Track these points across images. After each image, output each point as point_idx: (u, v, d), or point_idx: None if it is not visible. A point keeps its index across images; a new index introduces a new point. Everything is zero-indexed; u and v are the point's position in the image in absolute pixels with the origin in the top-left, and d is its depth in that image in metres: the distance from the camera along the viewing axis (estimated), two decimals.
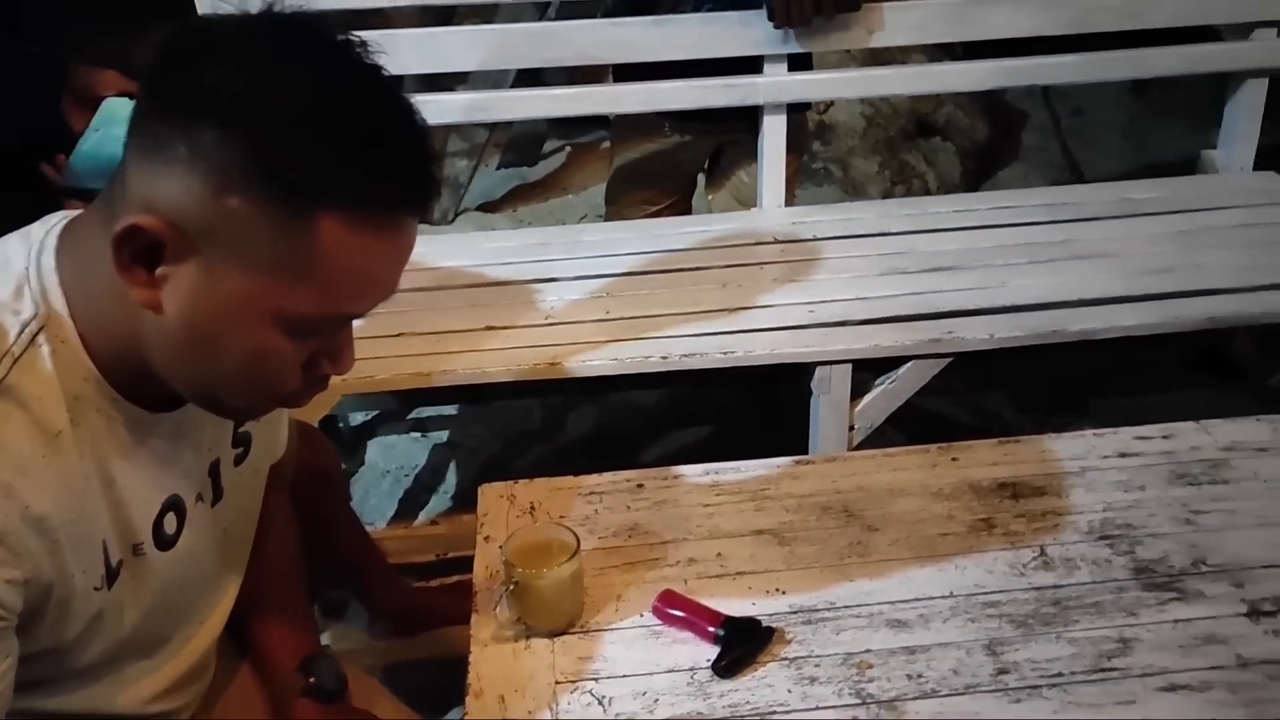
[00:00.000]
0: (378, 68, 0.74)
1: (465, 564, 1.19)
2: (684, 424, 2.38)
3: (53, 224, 0.82)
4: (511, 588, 1.03)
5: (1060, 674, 0.99)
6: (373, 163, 0.71)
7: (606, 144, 3.83)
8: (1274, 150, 2.30)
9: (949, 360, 1.73)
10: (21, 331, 0.76)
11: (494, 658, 1.04)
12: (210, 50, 0.72)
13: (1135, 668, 0.99)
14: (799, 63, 2.10)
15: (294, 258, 0.72)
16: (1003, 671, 0.99)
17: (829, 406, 1.74)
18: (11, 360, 0.75)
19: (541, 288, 1.92)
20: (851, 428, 1.76)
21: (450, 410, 2.51)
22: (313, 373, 0.80)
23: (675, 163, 2.25)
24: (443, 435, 2.47)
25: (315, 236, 0.71)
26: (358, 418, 2.46)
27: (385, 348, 1.73)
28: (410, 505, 2.25)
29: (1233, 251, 1.93)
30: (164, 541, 0.89)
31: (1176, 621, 1.04)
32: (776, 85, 2.06)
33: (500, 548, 1.10)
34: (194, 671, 1.00)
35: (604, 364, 1.69)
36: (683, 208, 2.31)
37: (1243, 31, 2.14)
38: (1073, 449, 1.31)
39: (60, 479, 0.77)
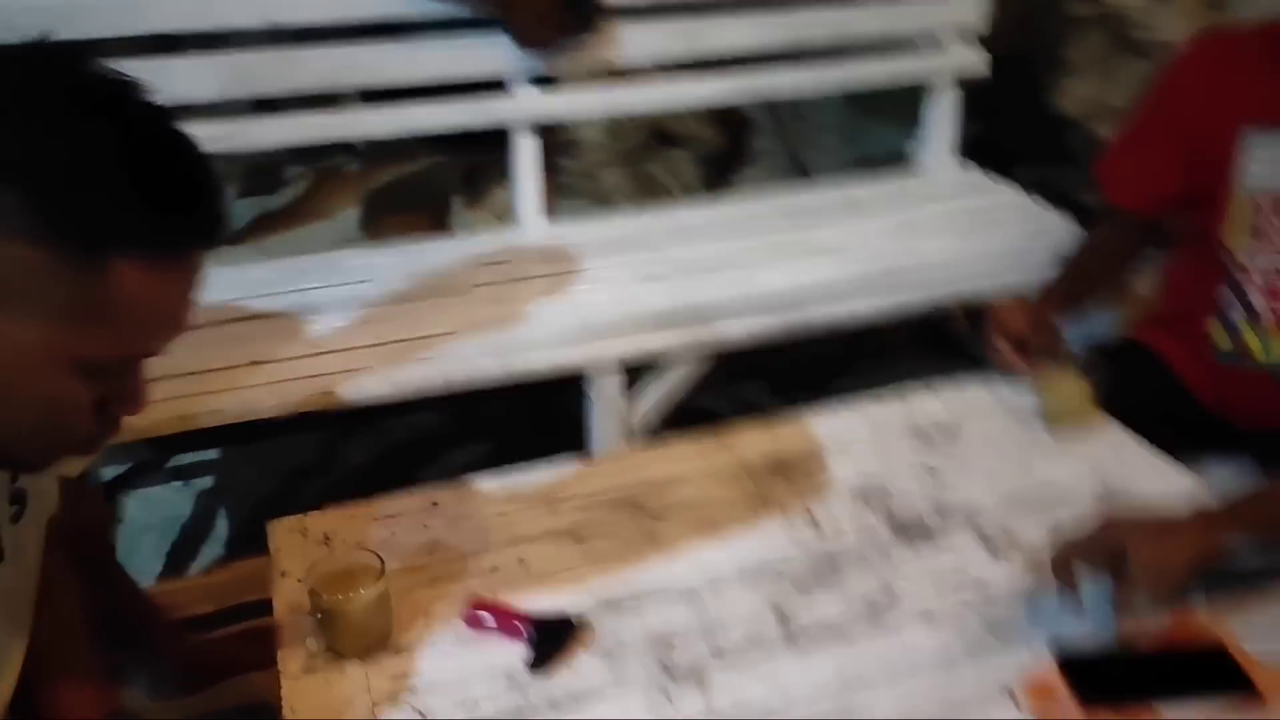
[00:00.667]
0: (152, 104, 0.74)
1: (251, 610, 1.17)
2: (465, 442, 2.39)
3: None
4: (319, 616, 1.03)
5: (839, 625, 1.09)
6: (159, 203, 0.71)
7: (354, 167, 3.76)
8: (973, 145, 2.60)
9: (714, 356, 1.85)
10: None
11: (307, 689, 1.03)
12: None
13: (902, 611, 1.11)
14: (545, 83, 2.17)
15: (89, 303, 0.70)
16: (790, 629, 1.09)
17: (605, 410, 1.82)
18: None
19: (306, 316, 1.89)
20: (628, 429, 1.84)
21: (214, 454, 2.41)
22: (106, 416, 0.78)
23: (430, 184, 2.27)
24: (208, 481, 2.36)
25: (108, 281, 0.70)
26: (110, 471, 2.31)
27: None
28: (180, 558, 2.14)
29: (943, 239, 2.16)
30: None
31: (930, 564, 1.18)
32: (525, 105, 2.12)
33: (299, 580, 1.10)
34: None
35: (381, 389, 1.68)
36: (441, 228, 2.33)
37: (936, 43, 2.41)
38: (829, 426, 1.44)
39: None
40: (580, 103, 2.28)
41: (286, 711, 1.01)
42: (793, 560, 1.19)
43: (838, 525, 1.25)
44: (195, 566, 2.12)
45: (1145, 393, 1.57)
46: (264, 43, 2.45)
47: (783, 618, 1.11)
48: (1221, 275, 1.51)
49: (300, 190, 3.81)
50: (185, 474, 2.36)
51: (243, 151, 3.39)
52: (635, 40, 2.14)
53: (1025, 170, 3.08)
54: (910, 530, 1.23)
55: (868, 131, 4.31)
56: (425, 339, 1.80)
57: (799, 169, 4.16)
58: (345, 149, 3.79)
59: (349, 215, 3.62)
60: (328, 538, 1.24)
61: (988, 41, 2.44)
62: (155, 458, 2.33)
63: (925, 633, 1.08)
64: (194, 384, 1.69)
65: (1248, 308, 1.50)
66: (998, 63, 2.84)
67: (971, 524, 1.24)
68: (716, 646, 1.07)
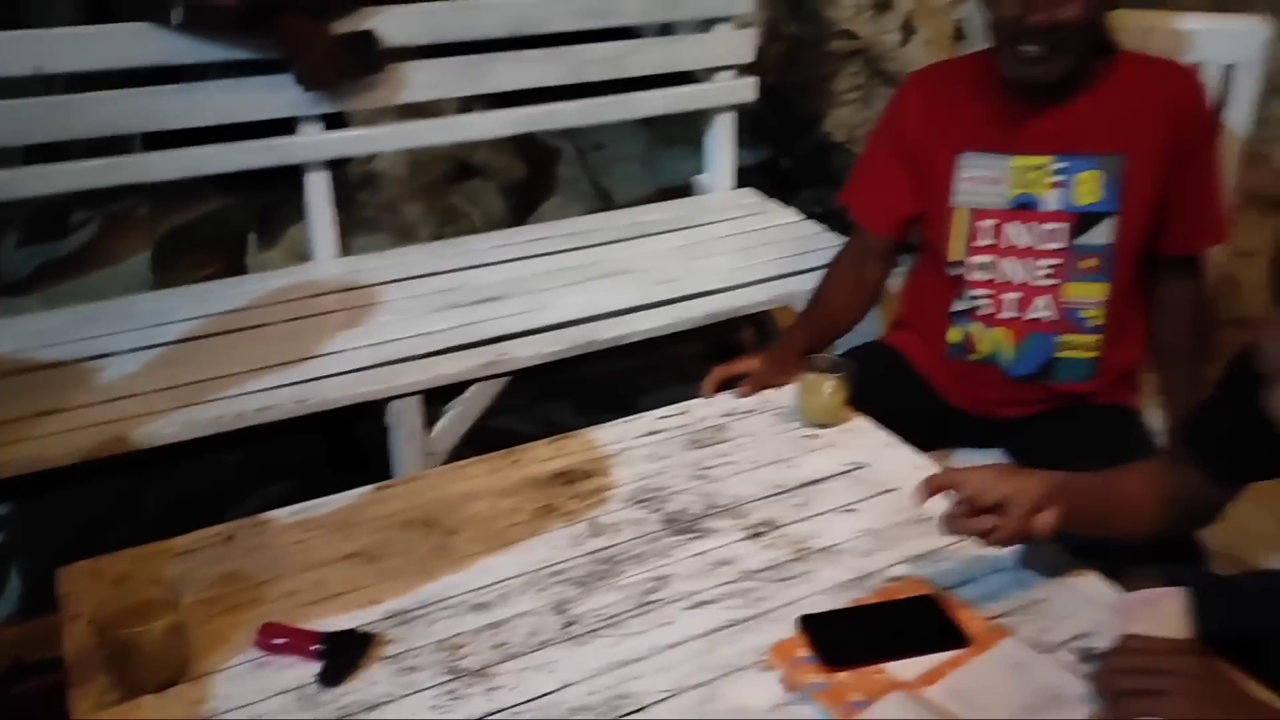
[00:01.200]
0: None
1: (48, 667, 1.17)
2: (268, 480, 2.39)
3: None
4: (108, 652, 1.06)
5: (614, 615, 1.20)
6: None
7: (144, 210, 3.66)
8: (758, 171, 2.79)
9: (508, 379, 1.94)
10: None
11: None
12: None
13: (670, 596, 1.23)
14: (336, 121, 2.22)
15: None
16: (569, 624, 1.19)
17: (405, 438, 1.88)
18: None
19: (96, 364, 1.87)
20: (429, 454, 1.90)
21: (4, 509, 2.32)
22: None
23: (222, 225, 2.27)
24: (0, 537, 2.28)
25: None
26: None
27: None
28: None
29: (723, 258, 2.33)
30: None
31: (698, 554, 1.30)
32: (313, 144, 2.16)
33: (90, 621, 1.12)
34: None
35: (175, 431, 1.69)
36: (235, 268, 2.33)
37: (709, 75, 2.59)
38: (611, 435, 1.56)
39: None
40: (367, 139, 2.34)
41: None
42: (574, 562, 1.29)
43: (616, 526, 1.35)
44: None
45: (898, 391, 1.76)
46: (39, 90, 2.40)
47: (563, 614, 1.20)
48: (948, 281, 1.71)
49: (88, 236, 3.68)
50: None
51: (21, 199, 3.28)
52: (421, 78, 2.22)
53: (805, 192, 3.32)
54: (682, 525, 1.35)
55: (665, 159, 4.51)
56: (219, 379, 1.82)
57: (601, 197, 4.31)
58: (134, 192, 3.70)
59: (140, 260, 3.54)
60: (122, 579, 1.25)
61: (761, 73, 2.64)
62: None
63: (691, 616, 1.20)
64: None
65: (970, 308, 1.70)
66: (772, 93, 3.06)
67: (735, 515, 1.37)
68: (502, 646, 1.16)
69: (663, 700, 1.08)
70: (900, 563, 1.27)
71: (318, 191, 2.21)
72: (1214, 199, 1.66)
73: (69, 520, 2.31)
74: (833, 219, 2.53)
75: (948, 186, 1.67)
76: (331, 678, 1.10)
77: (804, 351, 1.66)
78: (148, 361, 1.88)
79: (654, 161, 4.62)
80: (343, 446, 2.34)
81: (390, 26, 2.14)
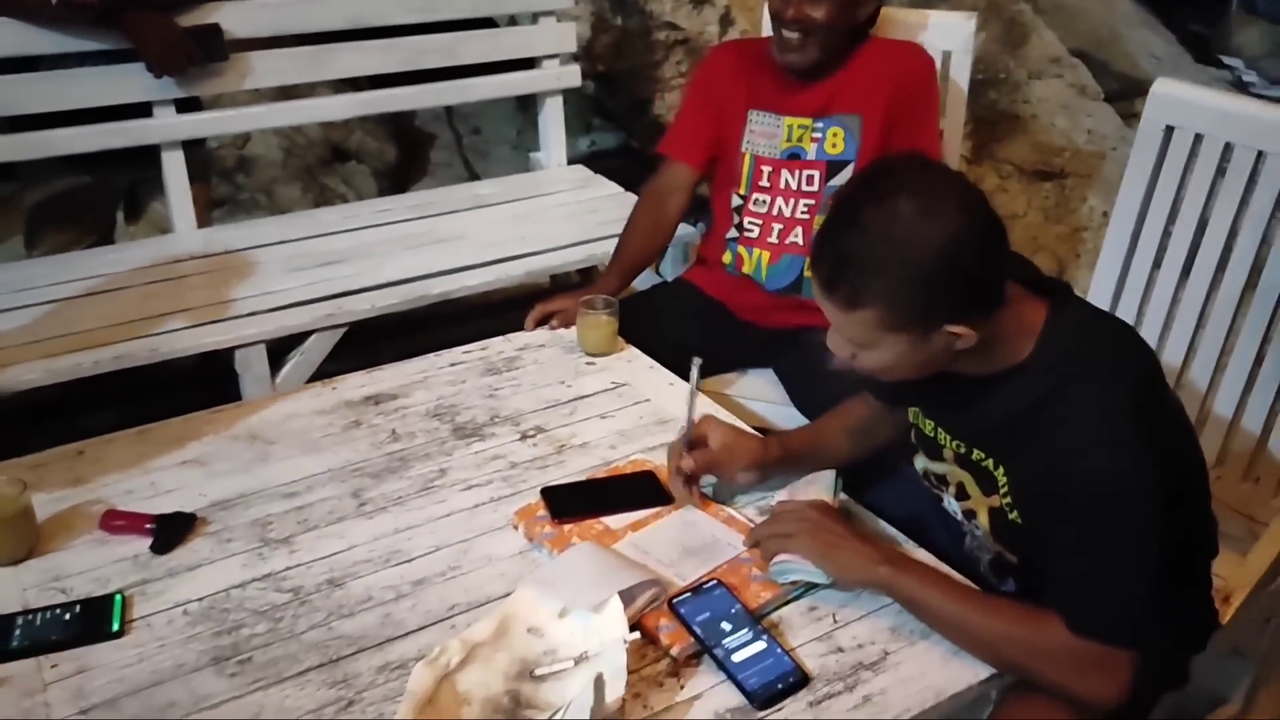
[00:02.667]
0: None
1: None
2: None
3: None
4: None
5: (401, 497, 1.49)
6: None
7: (12, 188, 3.82)
8: (612, 152, 3.08)
9: (344, 329, 2.20)
10: None
11: None
12: None
13: (448, 483, 1.52)
14: (191, 105, 2.45)
15: None
16: (362, 504, 1.47)
17: (253, 382, 2.13)
18: None
19: None
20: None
21: None
22: None
23: (90, 202, 2.48)
24: None
25: None
26: None
27: None
28: None
29: (549, 225, 2.62)
30: None
31: (477, 452, 1.59)
32: (166, 126, 2.39)
33: None
34: None
35: (37, 376, 1.92)
36: (105, 242, 2.54)
37: (537, 63, 2.87)
38: (419, 366, 1.84)
39: None
40: (216, 121, 2.57)
41: None
42: (373, 461, 1.57)
43: (412, 434, 1.64)
44: None
45: (694, 315, 2.09)
46: None
47: (358, 498, 1.48)
48: (729, 214, 2.06)
49: None
50: None
51: None
52: (266, 66, 2.47)
53: (637, 170, 3.63)
54: (467, 431, 1.65)
55: (533, 142, 4.79)
56: (82, 333, 2.05)
57: (473, 177, 4.56)
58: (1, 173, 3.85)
59: (15, 240, 3.70)
60: None
61: (593, 61, 2.93)
62: None
63: (462, 495, 1.49)
64: None
65: (743, 235, 2.04)
66: (608, 80, 3.37)
67: (513, 423, 1.67)
68: (304, 522, 1.43)
69: (428, 554, 1.37)
70: (638, 453, 1.58)
71: (175, 168, 2.44)
72: (929, 146, 2.03)
73: None
74: None
75: (740, 135, 2.05)
76: (162, 547, 1.37)
77: (615, 291, 1.98)
78: (15, 322, 2.09)
79: (526, 145, 4.90)
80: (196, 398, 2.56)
81: (234, 20, 2.38)
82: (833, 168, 1.99)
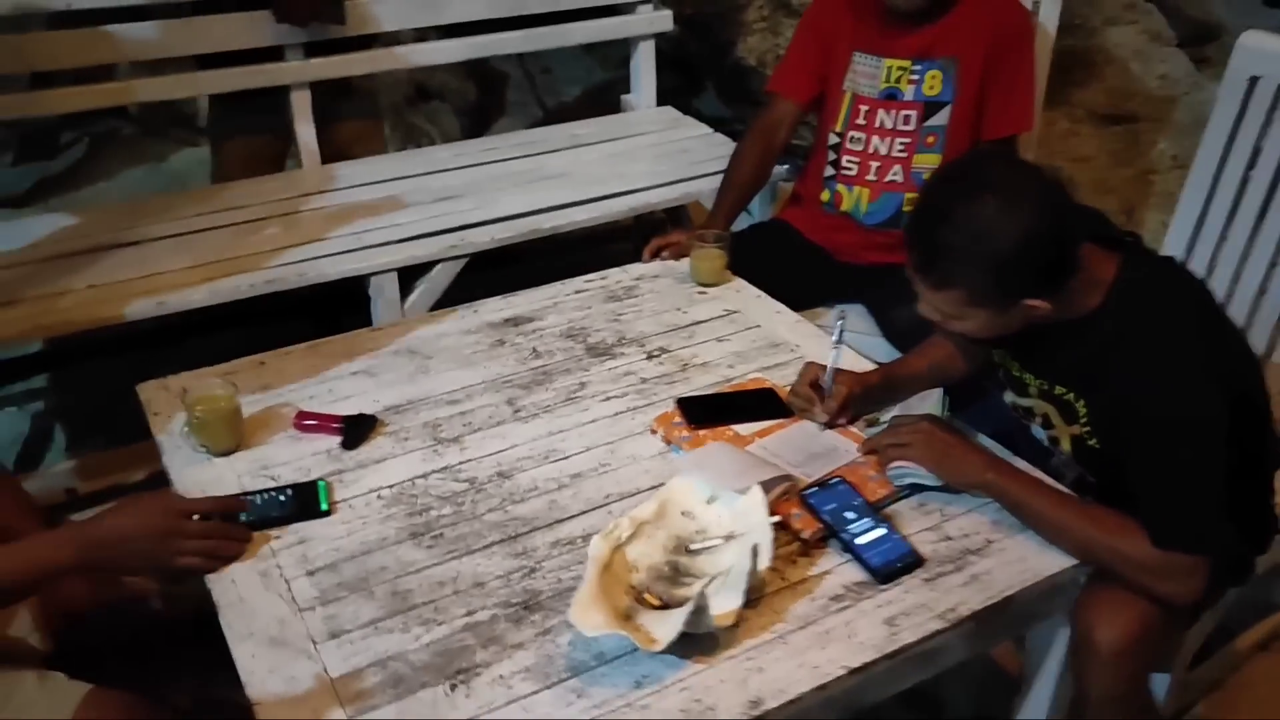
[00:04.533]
0: None
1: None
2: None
3: None
4: (195, 420, 1.53)
5: (549, 405, 1.69)
6: None
7: (127, 131, 4.04)
8: (671, 91, 3.23)
9: (466, 259, 2.40)
10: None
11: (191, 474, 1.52)
12: None
13: (589, 395, 1.71)
14: (314, 49, 2.63)
15: None
16: (517, 411, 1.67)
17: (384, 307, 2.34)
18: None
19: (128, 251, 2.29)
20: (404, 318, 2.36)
21: (41, 382, 2.76)
22: None
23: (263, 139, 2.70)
24: (39, 406, 2.71)
25: None
26: None
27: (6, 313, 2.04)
28: (27, 465, 2.51)
29: (644, 164, 2.78)
30: None
31: (610, 369, 1.79)
32: (297, 69, 2.58)
33: (183, 394, 1.57)
34: None
35: (203, 297, 2.14)
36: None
37: (632, 8, 3.02)
38: (548, 293, 2.03)
39: None
40: (345, 64, 2.74)
41: (178, 487, 1.50)
42: (520, 374, 1.77)
43: (550, 352, 1.84)
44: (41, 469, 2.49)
45: (789, 253, 2.26)
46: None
47: (513, 406, 1.69)
48: (826, 152, 2.22)
49: (79, 155, 4.04)
50: (17, 401, 2.70)
51: (18, 120, 3.64)
52: (384, 12, 2.64)
53: (725, 109, 3.76)
54: (599, 351, 1.84)
55: (606, 82, 4.92)
56: (234, 259, 2.26)
57: (546, 115, 4.72)
58: (117, 115, 4.06)
59: (128, 175, 3.92)
60: (185, 390, 1.71)
61: (680, 6, 3.06)
62: None
63: (602, 405, 1.69)
64: (48, 302, 2.09)
65: (840, 173, 2.20)
66: (692, 23, 3.50)
67: (639, 344, 1.86)
68: (469, 425, 1.64)
69: (580, 453, 1.58)
70: (754, 372, 1.77)
71: (302, 109, 2.63)
72: (1023, 96, 2.17)
73: (92, 393, 2.75)
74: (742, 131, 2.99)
75: (843, 74, 2.21)
76: (350, 443, 1.58)
77: (724, 225, 2.16)
78: (182, 248, 2.31)
79: (597, 85, 5.04)
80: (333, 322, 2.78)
81: None
82: (929, 108, 2.14)
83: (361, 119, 2.84)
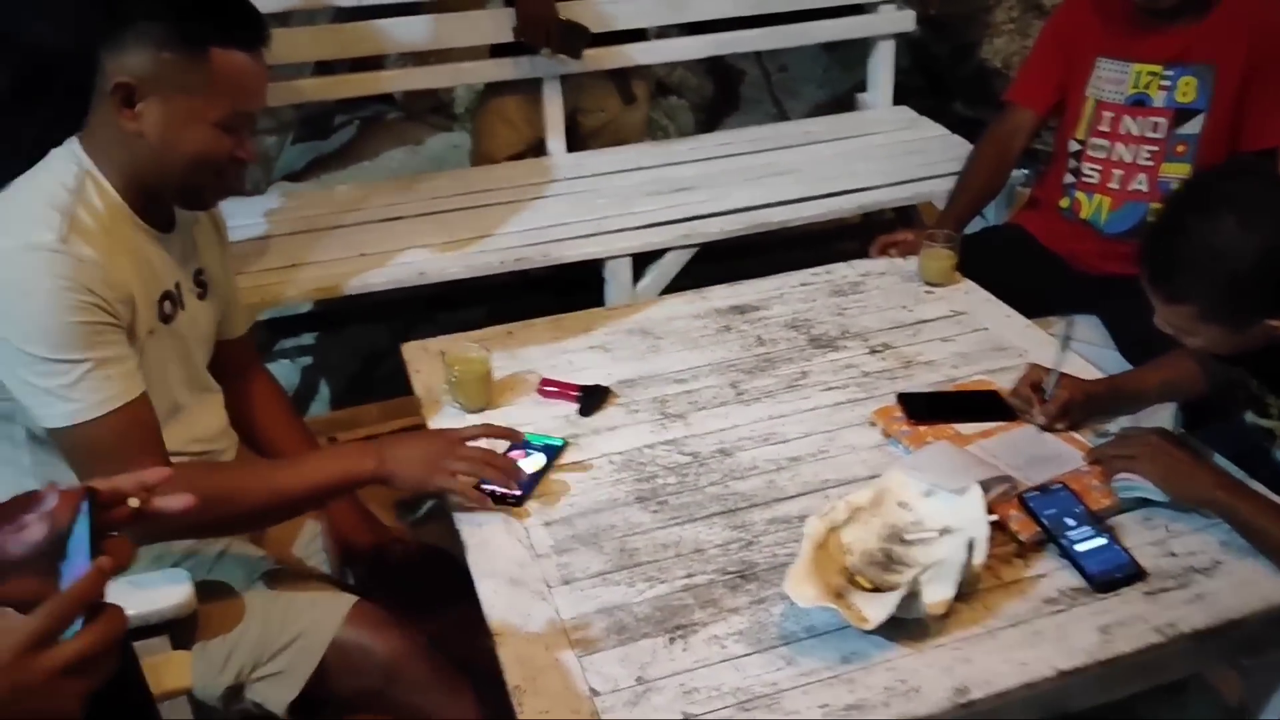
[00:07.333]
0: None
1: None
2: None
3: (70, 141, 1.37)
4: (454, 379, 1.69)
5: (771, 391, 1.75)
6: (231, 15, 1.35)
7: (391, 116, 4.38)
8: (908, 91, 3.22)
9: (696, 249, 2.50)
10: (78, 188, 1.32)
11: (444, 423, 1.68)
12: None
13: (810, 384, 1.77)
14: None
15: (204, 80, 1.31)
16: (740, 394, 1.75)
17: (617, 289, 2.47)
18: (77, 201, 1.30)
19: (393, 225, 2.53)
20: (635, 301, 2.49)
21: (310, 339, 3.07)
22: (235, 161, 1.38)
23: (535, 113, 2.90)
24: (308, 360, 3.03)
25: (210, 64, 1.31)
26: None
27: (290, 274, 2.31)
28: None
29: (876, 163, 2.80)
30: (165, 317, 1.43)
31: (832, 360, 1.84)
32: (545, 64, 2.75)
33: (442, 354, 1.74)
34: (214, 434, 1.56)
35: (458, 270, 2.34)
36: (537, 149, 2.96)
37: (875, 7, 3.03)
38: (774, 284, 2.10)
39: (122, 261, 1.31)
40: (594, 59, 2.90)
41: (431, 425, 1.66)
42: (744, 359, 1.85)
43: (775, 341, 1.90)
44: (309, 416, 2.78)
45: (1023, 258, 2.24)
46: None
47: (736, 389, 1.77)
48: (1066, 159, 2.18)
49: (348, 137, 4.44)
50: (290, 355, 3.02)
51: (299, 103, 4.04)
52: (628, 10, 2.78)
53: (964, 112, 3.70)
54: (821, 343, 1.89)
55: (842, 82, 4.92)
56: (484, 237, 2.45)
57: (781, 115, 4.78)
58: (384, 101, 4.42)
59: (389, 157, 4.27)
60: (442, 352, 1.89)
61: (926, 5, 3.05)
62: (267, 341, 2.99)
63: (823, 394, 1.74)
64: (323, 268, 2.34)
65: (1081, 180, 2.16)
66: (936, 23, 3.47)
67: (862, 339, 1.90)
68: (695, 404, 1.73)
69: (800, 438, 1.64)
70: (978, 374, 1.78)
71: (553, 99, 2.80)
72: None
73: (354, 352, 3.04)
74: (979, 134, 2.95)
75: (1085, 80, 2.17)
76: (586, 410, 1.71)
77: (956, 228, 2.16)
78: (439, 224, 2.53)
79: (831, 84, 5.05)
80: (565, 301, 2.96)
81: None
82: (1181, 115, 2.07)
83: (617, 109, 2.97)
